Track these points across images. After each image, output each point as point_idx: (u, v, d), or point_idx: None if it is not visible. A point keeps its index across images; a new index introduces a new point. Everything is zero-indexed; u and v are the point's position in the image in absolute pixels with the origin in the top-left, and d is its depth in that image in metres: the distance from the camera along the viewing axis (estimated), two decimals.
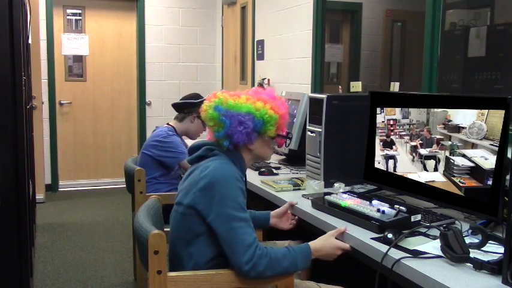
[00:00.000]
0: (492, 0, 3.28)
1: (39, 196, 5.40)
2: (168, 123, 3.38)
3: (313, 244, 1.85)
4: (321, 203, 2.18)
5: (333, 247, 1.86)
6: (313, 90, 4.07)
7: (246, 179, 1.96)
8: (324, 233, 2.02)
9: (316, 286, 1.98)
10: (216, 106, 1.87)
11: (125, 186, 3.24)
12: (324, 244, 1.86)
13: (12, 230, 2.16)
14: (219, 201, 1.73)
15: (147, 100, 6.41)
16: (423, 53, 2.91)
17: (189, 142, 3.46)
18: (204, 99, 3.30)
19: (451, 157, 2.02)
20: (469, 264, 1.52)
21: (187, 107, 3.31)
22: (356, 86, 3.53)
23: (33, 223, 4.14)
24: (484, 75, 3.09)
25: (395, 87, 3.11)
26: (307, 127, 2.73)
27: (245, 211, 1.76)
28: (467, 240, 1.64)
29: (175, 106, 3.38)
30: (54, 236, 4.55)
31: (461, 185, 1.97)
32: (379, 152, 2.40)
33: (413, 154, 2.22)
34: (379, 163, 2.39)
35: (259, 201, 2.59)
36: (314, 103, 2.67)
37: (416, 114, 2.21)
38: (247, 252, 1.68)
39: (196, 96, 3.37)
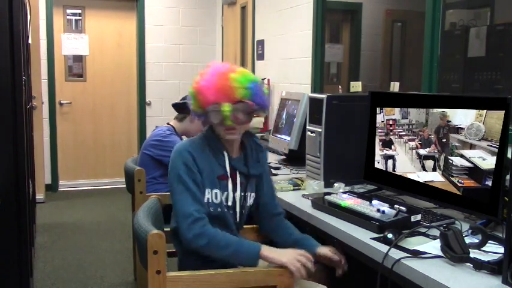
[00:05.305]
0: (492, 0, 3.28)
1: (39, 196, 5.40)
2: (168, 123, 3.38)
3: (266, 248, 1.80)
4: (321, 203, 2.18)
5: (293, 252, 1.79)
6: (313, 90, 4.07)
7: (226, 156, 1.94)
8: (324, 233, 2.02)
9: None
10: None
11: (124, 186, 3.24)
12: (280, 250, 1.81)
13: (12, 230, 2.16)
14: (168, 173, 1.91)
15: (147, 100, 6.41)
16: (423, 53, 2.91)
17: None
18: None
19: (450, 157, 2.02)
20: (469, 264, 1.52)
21: (187, 107, 3.29)
22: (356, 86, 3.53)
23: (33, 223, 4.14)
24: (484, 75, 3.08)
25: (395, 87, 3.11)
26: (307, 127, 2.73)
27: (183, 183, 1.83)
28: (467, 240, 1.64)
29: (175, 106, 3.37)
30: (54, 236, 4.55)
31: (459, 185, 1.97)
32: (378, 152, 2.40)
33: (412, 154, 2.22)
34: (379, 163, 2.39)
35: None
36: (314, 103, 2.67)
37: (416, 114, 2.21)
38: (184, 222, 1.79)
39: None
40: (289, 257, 1.75)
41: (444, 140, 2.04)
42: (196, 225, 1.78)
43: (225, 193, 1.93)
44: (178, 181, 1.85)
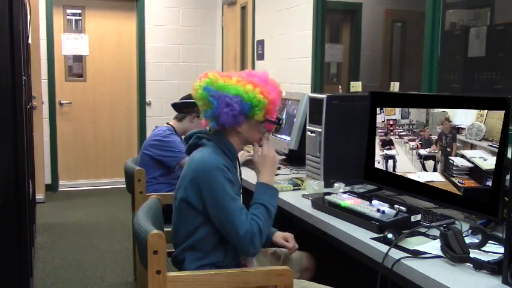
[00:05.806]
0: (492, 0, 3.28)
1: (39, 196, 5.40)
2: (167, 123, 3.39)
3: (266, 179, 1.92)
4: (321, 203, 2.18)
5: (275, 160, 1.98)
6: (313, 90, 4.07)
7: (239, 163, 2.00)
8: (324, 233, 2.02)
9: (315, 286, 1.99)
10: (206, 86, 1.88)
11: (124, 186, 3.24)
12: (270, 170, 1.96)
13: (12, 230, 2.16)
14: (207, 193, 1.78)
15: (147, 100, 6.41)
16: (423, 53, 2.91)
17: None
18: None
19: (451, 157, 2.02)
20: (469, 264, 1.52)
21: (187, 106, 3.31)
22: (356, 86, 3.53)
23: (33, 223, 4.13)
24: (484, 75, 3.09)
25: (395, 87, 3.11)
26: (307, 127, 2.73)
27: (234, 199, 1.78)
28: (467, 240, 1.64)
29: (175, 106, 3.38)
30: (54, 236, 4.55)
31: (460, 185, 1.97)
32: (378, 152, 2.40)
33: (413, 154, 2.22)
34: (379, 163, 2.39)
35: None
36: (314, 103, 2.67)
37: (416, 114, 2.21)
38: (245, 239, 1.75)
39: None
40: (272, 163, 1.96)
41: (449, 149, 2.03)
42: (254, 233, 1.76)
43: (240, 199, 1.93)
44: (230, 199, 1.77)
